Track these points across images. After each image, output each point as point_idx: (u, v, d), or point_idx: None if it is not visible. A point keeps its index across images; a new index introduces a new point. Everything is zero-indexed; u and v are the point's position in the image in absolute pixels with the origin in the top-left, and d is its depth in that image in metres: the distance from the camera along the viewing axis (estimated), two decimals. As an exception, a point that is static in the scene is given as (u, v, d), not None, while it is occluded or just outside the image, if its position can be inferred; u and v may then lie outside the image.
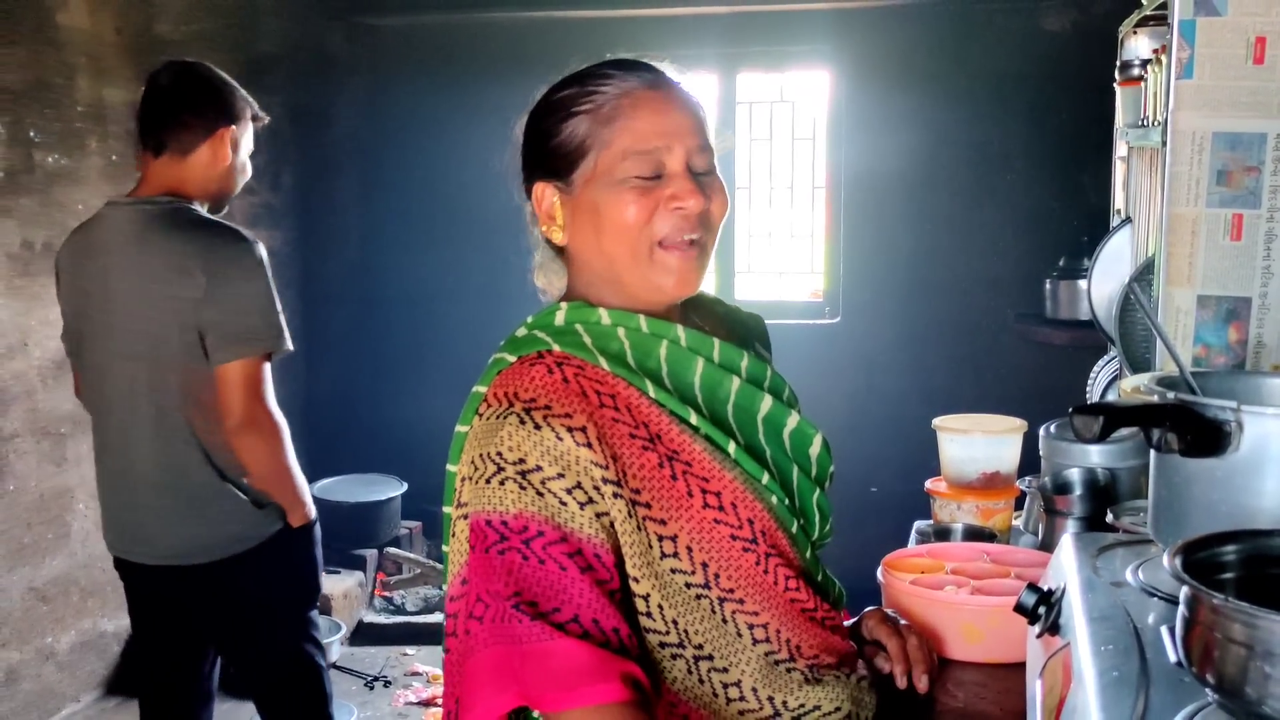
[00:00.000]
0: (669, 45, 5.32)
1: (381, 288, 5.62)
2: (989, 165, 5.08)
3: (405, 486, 5.10)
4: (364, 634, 4.72)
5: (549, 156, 1.40)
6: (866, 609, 1.60)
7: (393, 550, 5.05)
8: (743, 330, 1.56)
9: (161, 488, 2.68)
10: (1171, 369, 1.92)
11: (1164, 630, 1.24)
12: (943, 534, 2.05)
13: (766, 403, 1.45)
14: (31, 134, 3.84)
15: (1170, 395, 1.30)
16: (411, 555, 5.10)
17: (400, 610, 4.91)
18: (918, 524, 2.21)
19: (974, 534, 2.03)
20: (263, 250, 2.71)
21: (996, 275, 5.10)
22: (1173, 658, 1.17)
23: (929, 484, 2.19)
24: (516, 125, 1.47)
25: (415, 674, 4.37)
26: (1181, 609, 1.03)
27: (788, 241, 5.54)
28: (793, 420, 1.46)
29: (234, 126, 2.76)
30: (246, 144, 2.83)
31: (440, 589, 4.96)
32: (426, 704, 4.19)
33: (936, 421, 2.19)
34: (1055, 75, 4.94)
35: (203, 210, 2.75)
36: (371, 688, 4.33)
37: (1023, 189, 5.07)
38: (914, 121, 5.09)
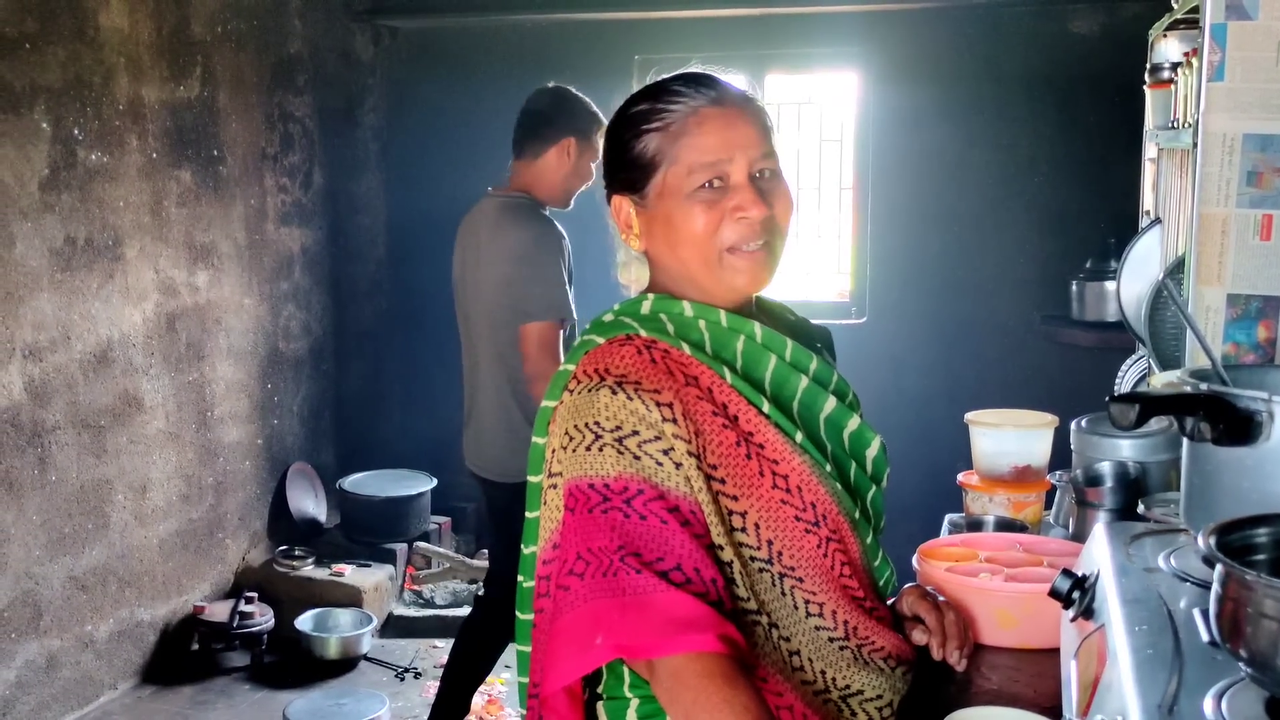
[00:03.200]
0: (696, 47, 5.34)
1: (408, 285, 5.68)
2: (1016, 167, 5.10)
3: (435, 482, 5.15)
4: (394, 626, 4.78)
5: (624, 170, 1.50)
6: (905, 585, 1.66)
7: (422, 545, 5.11)
8: (808, 340, 1.62)
9: (488, 415, 3.42)
10: (1201, 364, 1.96)
11: (1196, 612, 1.29)
12: (975, 526, 2.09)
13: (830, 403, 1.53)
14: (75, 132, 3.92)
15: (1203, 386, 1.35)
16: (440, 550, 5.16)
17: (429, 604, 4.96)
18: (950, 516, 2.25)
19: (1005, 526, 2.07)
20: (566, 243, 3.35)
21: (1023, 276, 5.12)
22: (1205, 637, 1.22)
23: (961, 477, 2.24)
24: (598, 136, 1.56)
25: (442, 665, 4.41)
26: (1215, 587, 1.07)
27: (814, 242, 5.58)
28: (853, 423, 1.55)
29: (575, 139, 3.38)
30: (593, 152, 3.40)
31: (467, 584, 5.01)
32: (456, 695, 4.24)
33: (969, 416, 2.23)
34: (1083, 78, 4.97)
35: (539, 206, 3.38)
36: (402, 679, 4.39)
37: (1050, 191, 5.09)
38: (941, 123, 5.12)
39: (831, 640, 1.45)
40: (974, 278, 5.18)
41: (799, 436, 1.46)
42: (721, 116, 1.46)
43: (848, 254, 5.46)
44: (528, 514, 1.50)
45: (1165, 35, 2.85)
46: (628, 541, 1.32)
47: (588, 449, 1.37)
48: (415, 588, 5.04)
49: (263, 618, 4.48)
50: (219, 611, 4.46)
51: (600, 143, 3.32)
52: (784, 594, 1.43)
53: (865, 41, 5.19)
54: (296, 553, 4.85)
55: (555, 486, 1.41)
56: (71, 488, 3.97)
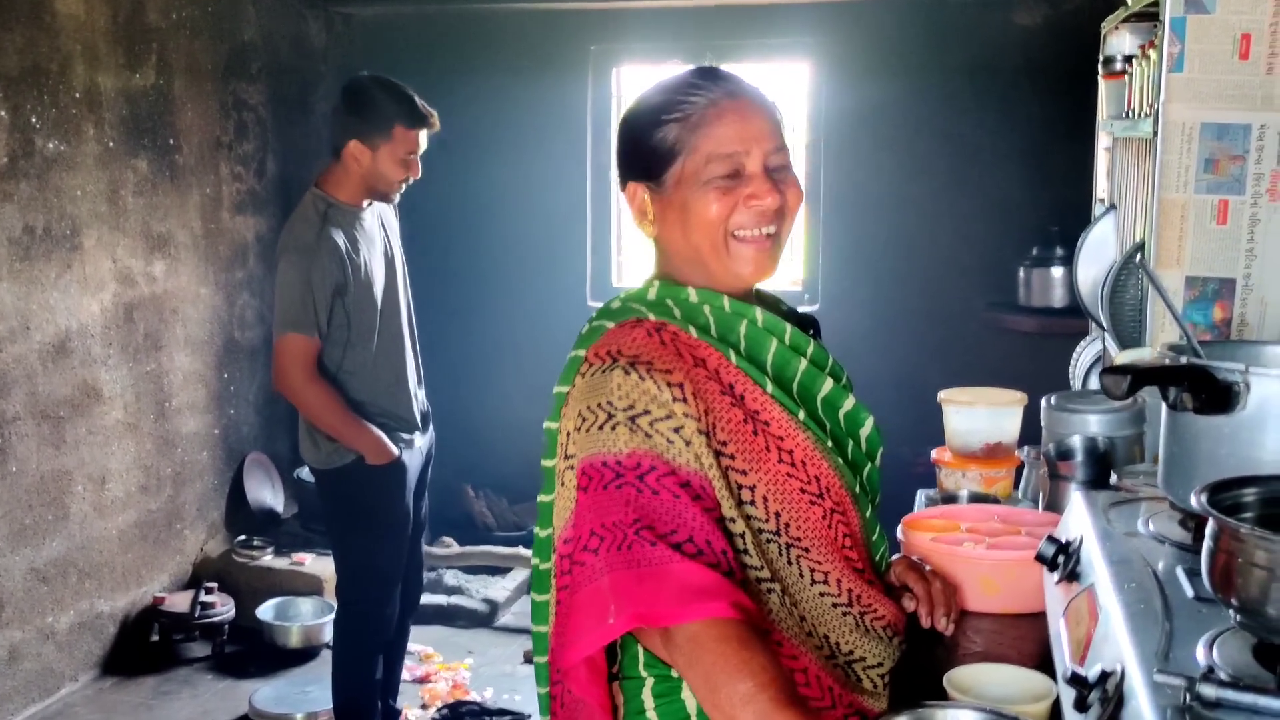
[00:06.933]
0: (649, 38, 5.48)
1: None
2: (962, 156, 5.22)
3: (392, 470, 5.15)
4: (354, 614, 4.79)
5: (642, 159, 1.55)
6: (895, 556, 1.73)
7: (380, 533, 5.11)
8: (801, 327, 1.68)
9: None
10: (1167, 341, 2.06)
11: (1179, 570, 1.38)
12: (949, 500, 2.18)
13: (827, 384, 1.60)
14: (33, 120, 3.88)
15: (1183, 360, 1.43)
16: (398, 538, 5.17)
17: (389, 591, 4.98)
18: (925, 491, 2.34)
19: (978, 500, 2.16)
20: (313, 253, 3.23)
21: (967, 264, 5.24)
22: (1190, 593, 1.31)
23: (935, 454, 2.32)
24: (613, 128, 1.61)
25: (407, 653, 4.44)
26: (1207, 542, 1.15)
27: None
28: (848, 403, 1.62)
29: (360, 141, 3.29)
30: (392, 151, 3.32)
31: (429, 572, 5.02)
32: (421, 681, 4.28)
33: (943, 394, 2.32)
34: (1025, 69, 5.09)
35: (326, 208, 3.31)
36: (365, 666, 4.40)
37: (993, 179, 5.21)
38: (891, 113, 5.22)
39: (835, 606, 1.52)
40: (921, 265, 5.29)
41: (801, 414, 1.53)
42: (738, 109, 1.52)
43: (800, 242, 5.55)
44: (542, 497, 1.54)
45: (1117, 28, 2.95)
46: (642, 515, 1.37)
47: (600, 428, 1.42)
48: (374, 576, 5.04)
49: (223, 608, 4.48)
50: (179, 602, 4.45)
51: (412, 135, 3.31)
52: (790, 563, 1.49)
53: (817, 33, 5.28)
54: (255, 543, 4.85)
55: (572, 468, 1.46)
56: (32, 479, 3.95)
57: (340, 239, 3.28)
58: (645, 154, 1.54)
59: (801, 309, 5.65)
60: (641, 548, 1.36)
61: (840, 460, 1.55)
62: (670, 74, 1.59)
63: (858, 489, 1.58)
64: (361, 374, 3.40)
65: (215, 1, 4.80)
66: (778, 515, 1.48)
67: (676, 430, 1.42)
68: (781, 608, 1.48)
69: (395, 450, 3.40)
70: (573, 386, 1.49)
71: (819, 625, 1.51)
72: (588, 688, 1.47)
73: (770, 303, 1.70)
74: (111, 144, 4.25)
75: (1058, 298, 4.68)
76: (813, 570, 1.50)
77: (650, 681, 1.51)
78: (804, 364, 1.58)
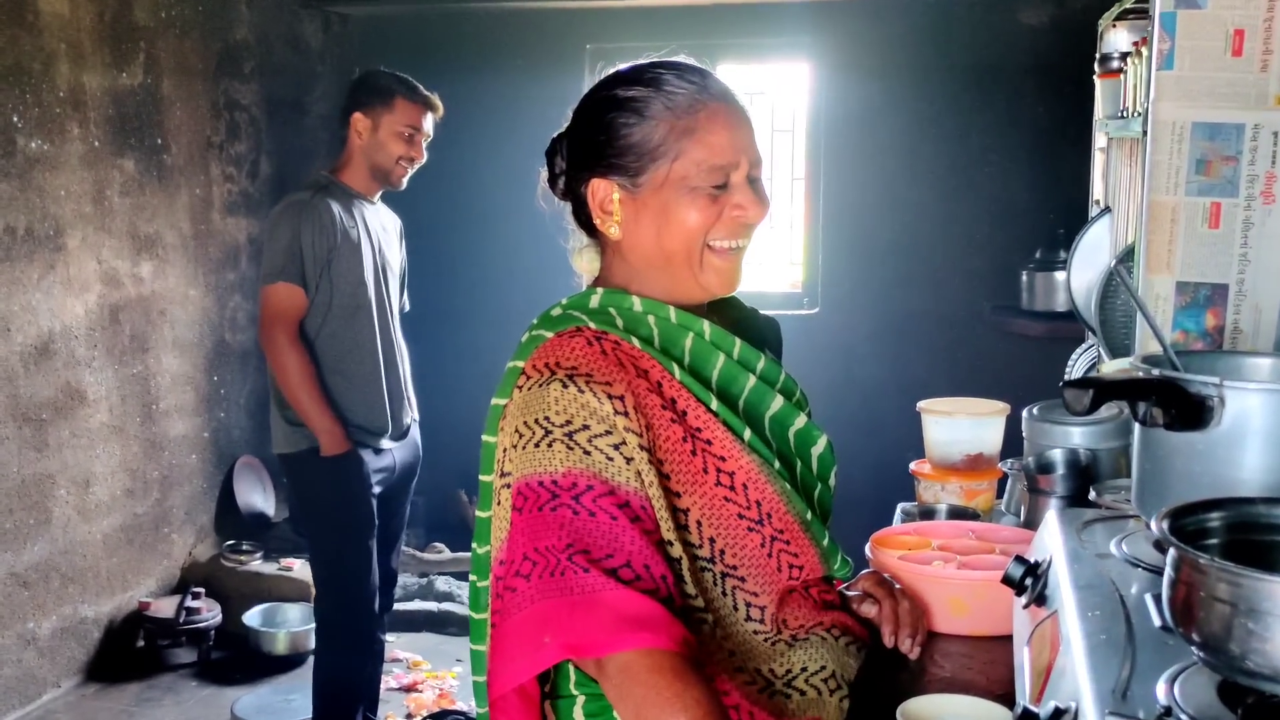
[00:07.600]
0: (647, 37, 5.38)
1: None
2: (966, 157, 5.13)
3: (385, 475, 5.09)
4: (344, 621, 4.72)
5: (617, 155, 1.44)
6: (863, 571, 1.65)
7: (372, 538, 5.04)
8: (757, 334, 1.61)
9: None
10: (1152, 350, 1.96)
11: (1148, 597, 1.29)
12: (927, 514, 2.09)
13: (777, 402, 1.51)
14: (15, 119, 3.83)
15: (1155, 372, 1.35)
16: (391, 543, 5.10)
17: (380, 598, 4.91)
18: (903, 505, 2.25)
19: (958, 514, 2.07)
20: (305, 205, 3.29)
21: (973, 267, 5.15)
22: (1157, 622, 1.22)
23: (914, 465, 2.23)
24: (565, 115, 1.52)
25: (395, 660, 4.38)
26: (1168, 571, 1.07)
27: (767, 232, 5.56)
28: (799, 421, 1.53)
29: (361, 113, 3.38)
30: (392, 122, 3.39)
31: (417, 578, 4.97)
32: (407, 689, 4.21)
33: (922, 404, 2.23)
34: (1032, 68, 5.00)
35: (322, 177, 3.42)
36: (352, 674, 4.33)
37: (999, 181, 5.12)
38: (893, 114, 5.14)
39: (766, 640, 1.44)
40: (925, 268, 5.20)
41: (747, 434, 1.45)
42: (729, 114, 1.44)
43: (800, 245, 5.46)
44: (479, 513, 1.47)
45: (1115, 25, 2.86)
46: (576, 539, 1.30)
47: (536, 445, 1.34)
48: (366, 581, 4.97)
49: (209, 613, 4.42)
50: (165, 608, 4.39)
51: (413, 110, 3.37)
52: (725, 594, 1.42)
53: (817, 31, 5.20)
54: (244, 547, 4.79)
55: (508, 486, 1.38)
56: (12, 483, 3.89)
57: (335, 207, 3.32)
58: (620, 150, 1.43)
59: (801, 313, 5.51)
60: (574, 574, 1.28)
61: (788, 485, 1.46)
62: (634, 64, 1.48)
63: (809, 515, 1.49)
64: (333, 351, 3.37)
65: (209, 1, 4.74)
66: (712, 541, 1.41)
67: (617, 446, 1.34)
68: (712, 639, 1.40)
69: (348, 443, 3.35)
70: (510, 400, 1.41)
71: (749, 659, 1.42)
72: (518, 717, 1.40)
73: (723, 309, 1.61)
74: (97, 144, 4.19)
75: (1061, 302, 4.58)
76: (749, 604, 1.42)
77: (581, 700, 1.44)
78: (753, 380, 1.49)
